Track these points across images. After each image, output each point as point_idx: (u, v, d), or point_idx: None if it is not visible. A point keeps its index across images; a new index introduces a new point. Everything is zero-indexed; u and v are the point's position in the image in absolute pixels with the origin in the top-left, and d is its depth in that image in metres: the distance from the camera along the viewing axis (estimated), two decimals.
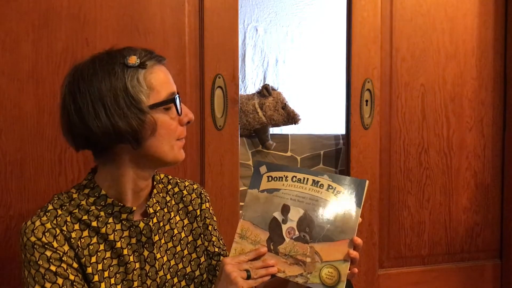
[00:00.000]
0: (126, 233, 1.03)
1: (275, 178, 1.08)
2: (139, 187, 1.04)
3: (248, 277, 0.98)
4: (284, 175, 1.07)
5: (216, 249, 1.18)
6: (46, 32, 1.42)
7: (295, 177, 1.06)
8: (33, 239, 0.95)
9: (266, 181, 1.08)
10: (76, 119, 0.96)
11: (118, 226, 1.02)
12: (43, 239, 0.95)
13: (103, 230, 1.00)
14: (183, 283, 1.11)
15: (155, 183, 1.11)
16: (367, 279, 1.85)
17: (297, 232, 1.04)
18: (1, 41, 1.38)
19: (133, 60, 0.96)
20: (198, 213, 1.17)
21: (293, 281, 1.03)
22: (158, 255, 1.06)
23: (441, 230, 1.95)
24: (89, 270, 0.98)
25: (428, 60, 1.88)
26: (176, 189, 1.16)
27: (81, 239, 0.99)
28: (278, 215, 1.05)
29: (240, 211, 1.66)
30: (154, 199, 1.08)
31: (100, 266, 1.00)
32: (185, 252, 1.13)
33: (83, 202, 1.01)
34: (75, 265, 0.97)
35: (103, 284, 0.99)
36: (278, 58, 2.61)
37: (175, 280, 1.09)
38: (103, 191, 1.02)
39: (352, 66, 1.78)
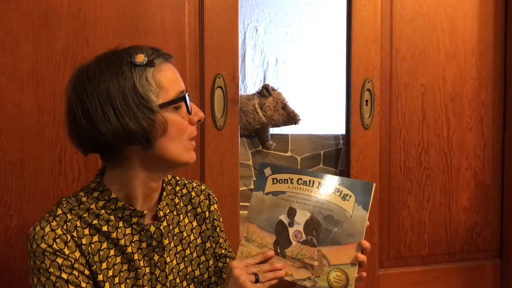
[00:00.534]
0: (136, 237, 1.01)
1: (280, 181, 1.06)
2: (151, 189, 1.02)
3: (257, 281, 0.97)
4: (290, 178, 1.06)
5: (223, 251, 1.16)
6: (46, 32, 1.42)
7: (301, 179, 1.05)
8: (43, 245, 0.92)
9: (271, 184, 1.06)
10: (83, 121, 0.93)
11: (128, 230, 1.00)
12: (54, 246, 0.92)
13: (114, 234, 0.98)
14: (192, 286, 1.09)
15: (164, 184, 1.08)
16: (367, 279, 1.85)
17: (304, 236, 1.02)
18: (1, 41, 1.38)
19: (141, 58, 0.94)
20: (207, 215, 1.16)
21: (300, 285, 1.02)
22: (168, 259, 1.04)
23: (441, 230, 1.94)
24: (100, 277, 0.96)
25: (428, 60, 1.88)
26: (185, 191, 1.15)
27: (92, 245, 0.97)
28: (284, 218, 1.04)
29: (241, 211, 1.66)
30: (164, 202, 1.06)
31: (110, 272, 0.98)
32: (194, 255, 1.11)
33: (93, 206, 0.98)
34: (86, 272, 0.95)
35: None
36: (278, 58, 2.61)
37: (184, 283, 1.08)
38: (113, 194, 0.99)
39: (352, 66, 1.78)
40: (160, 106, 0.94)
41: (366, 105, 1.80)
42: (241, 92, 2.45)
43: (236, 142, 1.63)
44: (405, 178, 1.89)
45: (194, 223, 1.14)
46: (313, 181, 1.05)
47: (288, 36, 2.61)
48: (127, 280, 1.00)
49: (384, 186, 1.87)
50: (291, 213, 1.04)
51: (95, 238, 0.97)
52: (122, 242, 0.99)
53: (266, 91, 1.95)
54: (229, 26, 1.60)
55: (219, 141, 1.61)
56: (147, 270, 1.02)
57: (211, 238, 1.15)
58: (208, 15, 1.57)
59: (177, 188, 1.13)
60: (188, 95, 1.00)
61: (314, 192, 1.04)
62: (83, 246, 0.95)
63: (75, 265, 0.93)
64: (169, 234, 1.06)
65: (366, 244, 1.01)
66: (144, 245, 1.02)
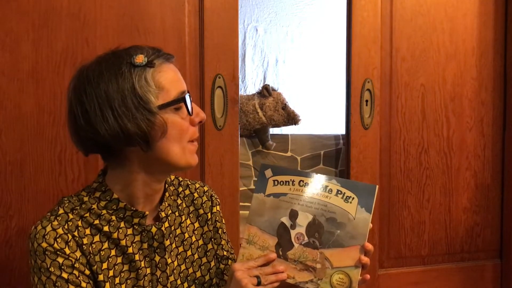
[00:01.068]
0: (137, 238, 1.00)
1: (282, 182, 1.05)
2: (153, 190, 1.02)
3: (259, 284, 0.97)
4: (291, 179, 1.05)
5: (225, 253, 1.16)
6: (46, 32, 1.42)
7: (302, 181, 1.04)
8: (44, 245, 0.92)
9: (272, 185, 1.05)
10: (83, 123, 0.92)
11: (129, 231, 0.99)
12: (55, 245, 0.92)
13: (115, 235, 0.98)
14: (193, 287, 1.09)
15: (166, 185, 1.08)
16: None
17: (306, 238, 1.02)
18: (1, 41, 1.38)
19: (140, 59, 0.93)
20: (209, 216, 1.15)
21: (303, 287, 1.02)
22: (169, 260, 1.04)
23: (441, 230, 1.94)
24: (101, 277, 0.96)
25: (428, 60, 1.88)
26: (187, 192, 1.14)
27: (93, 245, 0.96)
28: (286, 220, 1.03)
29: (241, 212, 1.66)
30: (166, 203, 1.05)
31: (111, 273, 0.97)
32: (196, 256, 1.11)
33: (94, 206, 0.98)
34: (87, 272, 0.95)
35: None
36: (278, 58, 2.61)
37: (185, 285, 1.08)
38: (115, 194, 0.98)
39: (352, 66, 1.78)
40: (159, 107, 0.93)
41: (366, 105, 1.80)
42: (241, 92, 2.45)
43: (236, 142, 1.63)
44: (405, 178, 1.89)
45: (196, 225, 1.13)
46: (315, 183, 1.04)
47: (288, 36, 2.61)
48: (128, 280, 1.00)
49: (384, 186, 1.86)
50: (293, 215, 1.03)
51: (96, 238, 0.97)
52: (123, 242, 0.98)
53: (266, 91, 1.95)
54: (229, 26, 1.60)
55: (219, 141, 1.61)
56: (148, 271, 1.02)
57: (213, 239, 1.15)
58: (208, 15, 1.57)
59: (180, 189, 1.13)
60: (190, 95, 0.98)
61: (316, 194, 1.03)
62: (84, 246, 0.95)
63: (75, 265, 0.93)
64: (171, 235, 1.05)
65: (370, 246, 1.01)
66: (145, 245, 1.01)
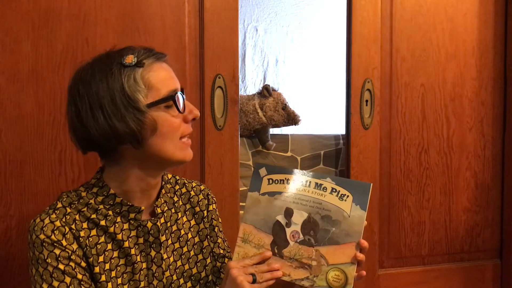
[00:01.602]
0: (133, 233, 1.02)
1: (276, 181, 1.07)
2: (148, 186, 1.03)
3: (254, 281, 0.98)
4: (286, 178, 1.06)
5: (221, 251, 1.17)
6: (46, 32, 1.42)
7: (297, 180, 1.06)
8: (42, 236, 0.94)
9: (266, 184, 1.07)
10: (76, 122, 0.96)
11: (126, 226, 1.01)
12: (52, 237, 0.94)
13: (111, 229, 1.00)
14: (189, 284, 1.10)
15: (163, 183, 1.10)
16: (367, 279, 1.85)
17: (301, 236, 1.03)
18: (1, 41, 1.38)
19: (130, 59, 0.95)
20: (205, 214, 1.16)
21: (299, 285, 1.02)
22: (165, 256, 1.06)
23: (441, 230, 1.94)
24: (97, 269, 0.98)
25: (428, 60, 1.88)
26: (184, 190, 1.15)
27: (89, 238, 0.98)
28: (281, 218, 1.04)
29: (241, 212, 1.66)
30: (162, 199, 1.07)
31: (107, 266, 0.99)
32: (192, 253, 1.12)
33: (92, 201, 1.00)
34: (83, 264, 0.96)
35: (110, 284, 0.99)
36: (278, 58, 2.61)
37: (181, 281, 1.09)
38: (112, 190, 1.01)
39: (352, 66, 1.78)
40: (148, 106, 0.94)
41: (366, 105, 1.80)
42: (241, 92, 2.45)
43: (236, 142, 1.63)
44: (405, 178, 1.89)
45: (192, 222, 1.14)
46: (310, 181, 1.05)
47: (288, 36, 2.61)
48: (124, 274, 1.01)
49: (384, 186, 1.87)
50: (288, 213, 1.04)
51: (93, 232, 0.99)
52: (119, 236, 1.00)
53: (266, 92, 1.94)
54: (229, 26, 1.60)
55: (219, 141, 1.61)
56: (144, 265, 1.03)
57: (208, 237, 1.16)
58: (208, 15, 1.57)
59: (177, 187, 1.14)
60: (183, 93, 1.00)
61: (311, 192, 1.04)
62: (80, 239, 0.97)
63: (72, 257, 0.95)
64: (167, 231, 1.07)
65: (365, 243, 1.02)
66: (141, 240, 1.03)
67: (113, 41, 1.46)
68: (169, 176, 1.15)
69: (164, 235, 1.06)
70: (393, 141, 1.87)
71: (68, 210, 0.99)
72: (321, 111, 2.61)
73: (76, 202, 1.00)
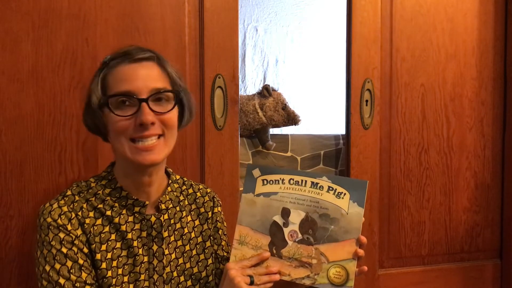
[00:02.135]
0: (137, 226, 1.05)
1: (271, 182, 1.07)
2: (139, 183, 1.05)
3: (252, 283, 0.99)
4: (281, 178, 1.07)
5: (225, 254, 1.18)
6: (46, 32, 1.42)
7: (293, 179, 1.06)
8: (49, 220, 0.98)
9: (261, 185, 1.07)
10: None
11: (130, 218, 1.04)
12: (59, 221, 0.98)
13: (116, 220, 1.03)
14: (189, 282, 1.11)
15: (170, 181, 1.13)
16: (367, 279, 1.85)
17: (300, 235, 1.03)
18: (1, 41, 1.38)
19: (103, 60, 1.03)
20: (210, 215, 1.18)
21: (299, 283, 1.03)
22: (167, 251, 1.07)
23: (441, 230, 1.94)
24: (98, 256, 1.00)
25: (428, 60, 1.88)
26: (190, 191, 1.18)
27: (94, 226, 1.01)
28: (278, 218, 1.05)
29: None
30: (167, 196, 1.10)
31: (109, 255, 1.01)
32: (194, 252, 1.13)
33: (100, 192, 1.04)
34: (85, 250, 0.99)
35: (110, 272, 1.01)
36: (278, 58, 2.61)
37: (182, 278, 1.10)
38: (119, 183, 1.05)
39: (352, 66, 1.78)
40: (98, 107, 1.00)
41: (366, 105, 1.80)
42: (241, 92, 2.45)
43: (236, 142, 1.63)
44: (405, 178, 1.89)
45: (197, 222, 1.16)
46: (305, 181, 1.05)
47: (288, 36, 2.61)
48: (125, 266, 1.03)
49: (384, 186, 1.87)
50: (285, 213, 1.05)
51: (99, 221, 1.02)
52: (123, 228, 1.03)
53: (266, 92, 1.94)
54: (229, 26, 1.60)
55: (219, 141, 1.61)
56: (145, 259, 1.05)
57: (211, 238, 1.17)
58: (208, 15, 1.57)
59: (183, 187, 1.17)
60: (136, 95, 0.98)
61: (307, 191, 1.05)
62: (85, 225, 1.00)
63: (75, 242, 0.98)
64: (170, 228, 1.09)
65: (364, 239, 1.03)
66: (144, 234, 1.05)
67: (113, 41, 1.46)
68: (177, 176, 1.18)
69: (167, 231, 1.08)
70: (393, 141, 1.87)
71: (77, 198, 1.03)
72: (321, 111, 2.61)
73: (85, 192, 1.04)
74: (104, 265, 1.00)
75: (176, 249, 1.10)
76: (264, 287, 1.01)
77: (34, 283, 1.43)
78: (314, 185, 1.05)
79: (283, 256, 1.03)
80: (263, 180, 1.07)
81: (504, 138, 2.00)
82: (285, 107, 1.95)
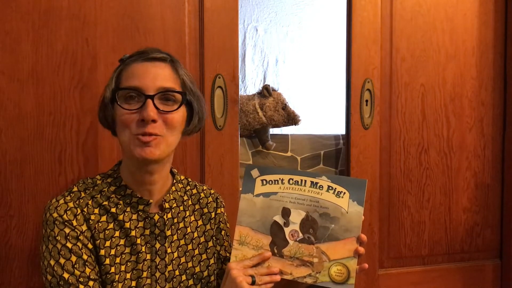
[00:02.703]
0: (141, 224, 1.06)
1: (270, 182, 1.08)
2: (141, 181, 1.06)
3: (253, 283, 1.00)
4: (280, 178, 1.07)
5: (228, 254, 1.19)
6: (46, 32, 1.42)
7: (292, 179, 1.07)
8: (55, 215, 0.99)
9: (260, 185, 1.08)
10: None
11: (134, 216, 1.06)
12: (64, 216, 1.00)
13: (121, 217, 1.04)
14: (190, 281, 1.12)
15: (174, 181, 1.14)
16: (367, 279, 1.85)
17: (300, 234, 1.04)
18: (1, 41, 1.38)
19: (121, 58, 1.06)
20: (213, 216, 1.19)
21: (301, 282, 1.04)
22: (169, 250, 1.09)
23: (441, 230, 1.95)
24: (102, 252, 1.01)
25: (428, 60, 1.88)
26: (194, 191, 1.19)
27: (99, 223, 1.03)
28: (278, 218, 1.06)
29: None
30: (171, 196, 1.11)
31: (113, 252, 1.03)
32: (196, 251, 1.14)
33: (105, 189, 1.06)
34: (90, 245, 1.01)
35: (113, 269, 1.02)
36: (278, 58, 2.61)
37: (183, 277, 1.11)
38: (124, 181, 1.06)
39: (352, 66, 1.78)
40: (110, 100, 1.03)
41: (366, 105, 1.80)
42: (241, 92, 2.45)
43: (236, 142, 1.63)
44: (405, 178, 1.89)
45: (200, 222, 1.17)
46: (305, 181, 1.06)
47: (288, 36, 2.61)
48: (128, 263, 1.04)
49: (384, 186, 1.87)
50: (286, 213, 1.05)
51: (103, 218, 1.04)
52: (127, 225, 1.04)
53: (266, 92, 1.94)
54: (229, 26, 1.60)
55: (219, 141, 1.61)
56: (148, 257, 1.06)
57: (214, 238, 1.18)
58: (208, 15, 1.57)
59: (188, 188, 1.18)
60: (142, 92, 1.00)
61: (307, 191, 1.06)
62: (90, 221, 1.02)
63: (80, 237, 1.00)
64: (173, 227, 1.10)
65: (365, 237, 1.05)
66: (147, 232, 1.06)
67: (113, 41, 1.47)
68: (182, 177, 1.19)
69: (170, 230, 1.09)
70: (393, 141, 1.87)
71: (82, 194, 1.05)
72: (321, 111, 2.61)
73: (91, 189, 1.06)
74: (107, 261, 1.02)
75: (179, 248, 1.11)
76: (266, 287, 1.01)
77: (34, 283, 1.43)
78: (313, 184, 1.06)
79: (285, 256, 1.04)
80: (262, 180, 1.08)
81: (504, 138, 2.00)
82: (285, 107, 1.95)
